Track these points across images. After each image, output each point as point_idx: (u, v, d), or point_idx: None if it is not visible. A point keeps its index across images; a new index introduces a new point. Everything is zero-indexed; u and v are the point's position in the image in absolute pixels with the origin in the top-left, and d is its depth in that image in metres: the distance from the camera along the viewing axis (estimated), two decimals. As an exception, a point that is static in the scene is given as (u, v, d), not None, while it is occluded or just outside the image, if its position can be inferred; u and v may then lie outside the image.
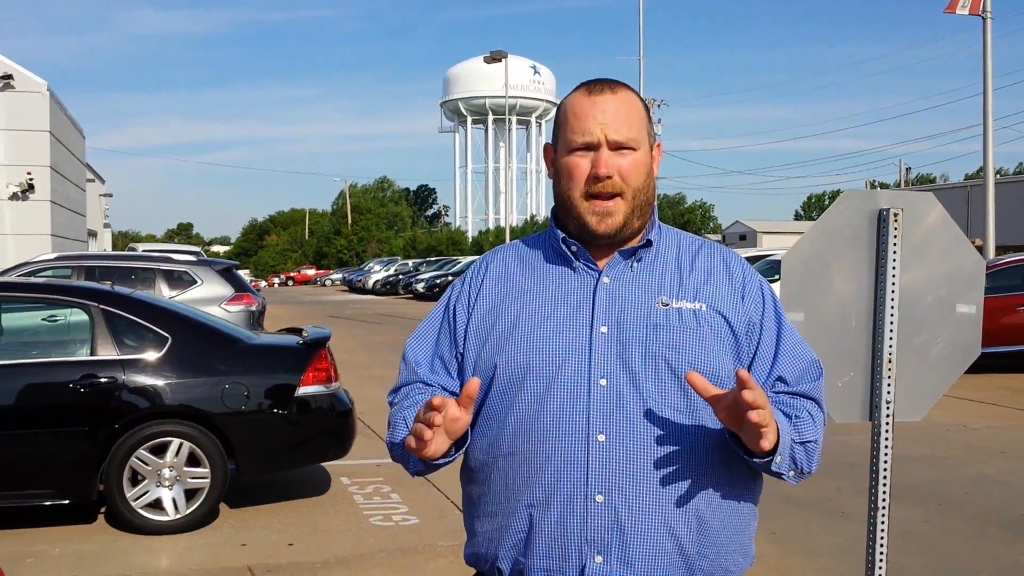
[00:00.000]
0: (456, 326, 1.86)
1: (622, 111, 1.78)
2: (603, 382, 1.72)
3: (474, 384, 1.63)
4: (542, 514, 1.71)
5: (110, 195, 52.89)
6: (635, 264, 1.81)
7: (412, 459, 1.77)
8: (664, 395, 1.72)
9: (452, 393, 1.85)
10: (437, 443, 1.66)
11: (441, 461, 1.75)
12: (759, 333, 1.80)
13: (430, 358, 1.88)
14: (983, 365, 6.01)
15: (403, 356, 1.92)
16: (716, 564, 1.75)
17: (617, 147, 1.77)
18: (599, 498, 1.69)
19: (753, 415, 1.55)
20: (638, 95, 1.86)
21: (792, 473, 1.73)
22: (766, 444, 1.58)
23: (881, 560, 3.09)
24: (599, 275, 1.80)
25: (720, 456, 1.72)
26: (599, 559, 1.68)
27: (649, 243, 1.83)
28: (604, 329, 1.75)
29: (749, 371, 1.78)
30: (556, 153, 1.85)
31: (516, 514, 1.74)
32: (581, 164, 1.78)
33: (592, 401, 1.71)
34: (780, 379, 1.79)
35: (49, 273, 11.40)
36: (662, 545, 1.69)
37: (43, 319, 6.20)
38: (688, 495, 1.71)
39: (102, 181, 48.81)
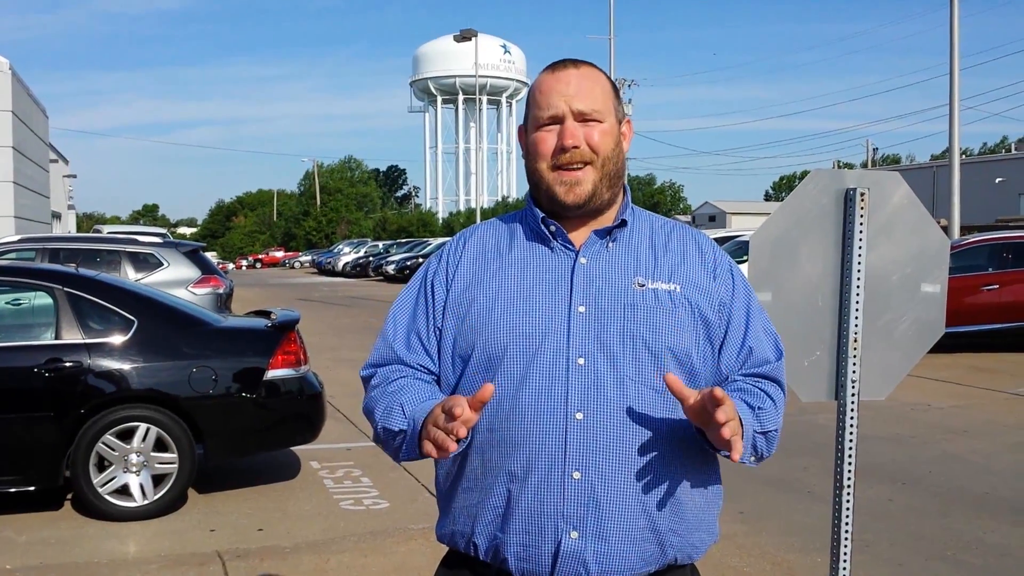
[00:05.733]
0: (435, 301, 1.87)
1: (586, 84, 1.81)
2: (581, 361, 1.73)
3: (489, 390, 1.60)
4: (519, 490, 1.73)
5: (74, 176, 52.11)
6: (611, 244, 1.83)
7: (406, 449, 1.76)
8: (641, 374, 1.74)
9: (428, 371, 1.86)
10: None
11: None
12: (729, 313, 1.83)
13: (406, 334, 1.88)
14: (947, 345, 6.10)
15: (382, 330, 1.93)
16: (686, 540, 1.79)
17: (582, 118, 1.80)
18: (576, 475, 1.71)
19: (726, 431, 1.59)
20: (604, 72, 1.89)
21: (753, 459, 1.78)
22: (735, 455, 1.62)
23: (847, 537, 3.12)
24: (576, 255, 1.82)
25: (693, 435, 1.74)
26: (575, 535, 1.71)
27: (624, 223, 1.85)
28: (582, 309, 1.76)
29: (720, 351, 1.82)
30: (527, 134, 1.87)
31: (494, 490, 1.75)
32: (548, 139, 1.81)
33: (570, 380, 1.73)
34: (747, 358, 1.83)
35: (12, 256, 11.21)
36: (636, 521, 1.72)
37: (6, 303, 6.10)
38: (663, 473, 1.74)
39: (66, 162, 48.06)
